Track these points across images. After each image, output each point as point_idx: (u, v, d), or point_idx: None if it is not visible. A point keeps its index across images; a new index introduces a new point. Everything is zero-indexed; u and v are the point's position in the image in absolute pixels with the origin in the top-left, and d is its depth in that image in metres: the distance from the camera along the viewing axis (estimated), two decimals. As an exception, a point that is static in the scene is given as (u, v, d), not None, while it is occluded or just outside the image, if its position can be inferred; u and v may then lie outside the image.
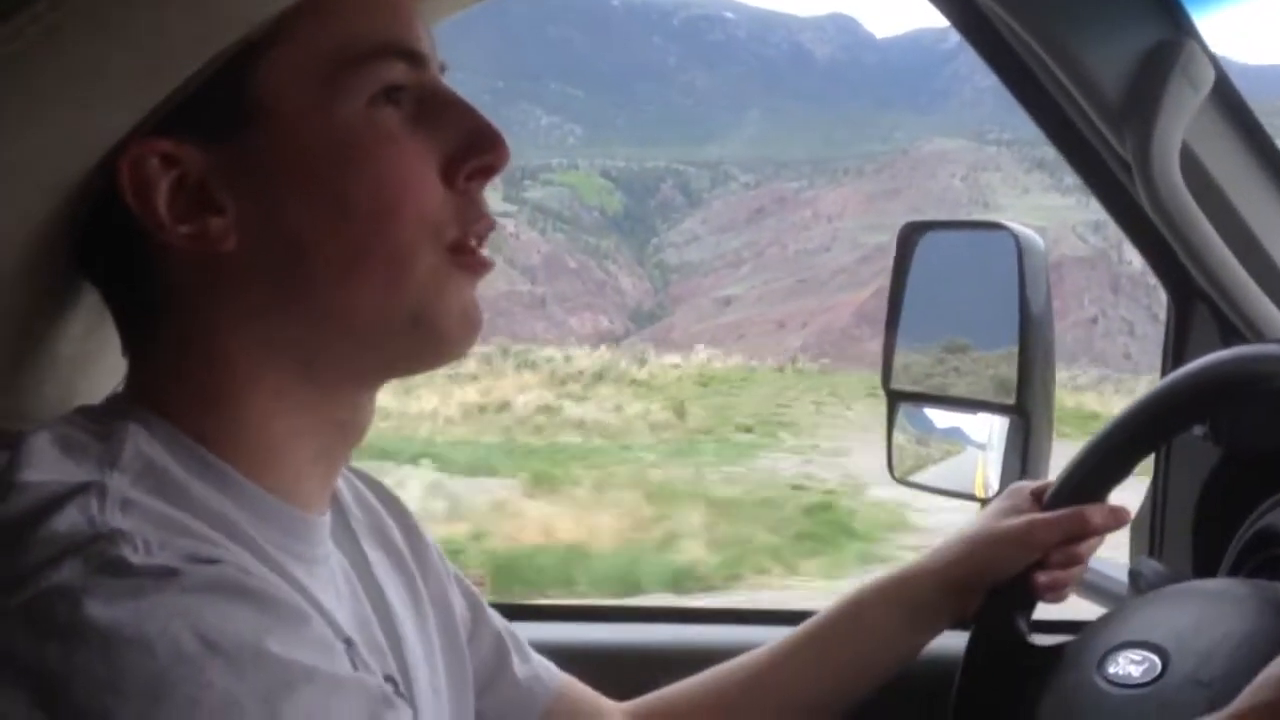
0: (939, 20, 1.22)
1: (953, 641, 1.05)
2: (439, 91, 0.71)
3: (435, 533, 0.95)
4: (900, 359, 1.33)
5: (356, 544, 0.83)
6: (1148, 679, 0.89)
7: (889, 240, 1.34)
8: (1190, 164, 1.12)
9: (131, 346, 0.72)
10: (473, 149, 0.71)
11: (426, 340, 0.71)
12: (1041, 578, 1.02)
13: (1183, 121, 1.09)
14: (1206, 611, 0.94)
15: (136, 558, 0.56)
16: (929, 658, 1.06)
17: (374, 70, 0.67)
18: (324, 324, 0.68)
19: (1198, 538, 1.27)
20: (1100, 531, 1.04)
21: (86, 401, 0.72)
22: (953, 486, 1.31)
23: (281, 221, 0.67)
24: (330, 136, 0.66)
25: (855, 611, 1.06)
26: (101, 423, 0.66)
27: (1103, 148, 1.21)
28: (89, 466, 0.61)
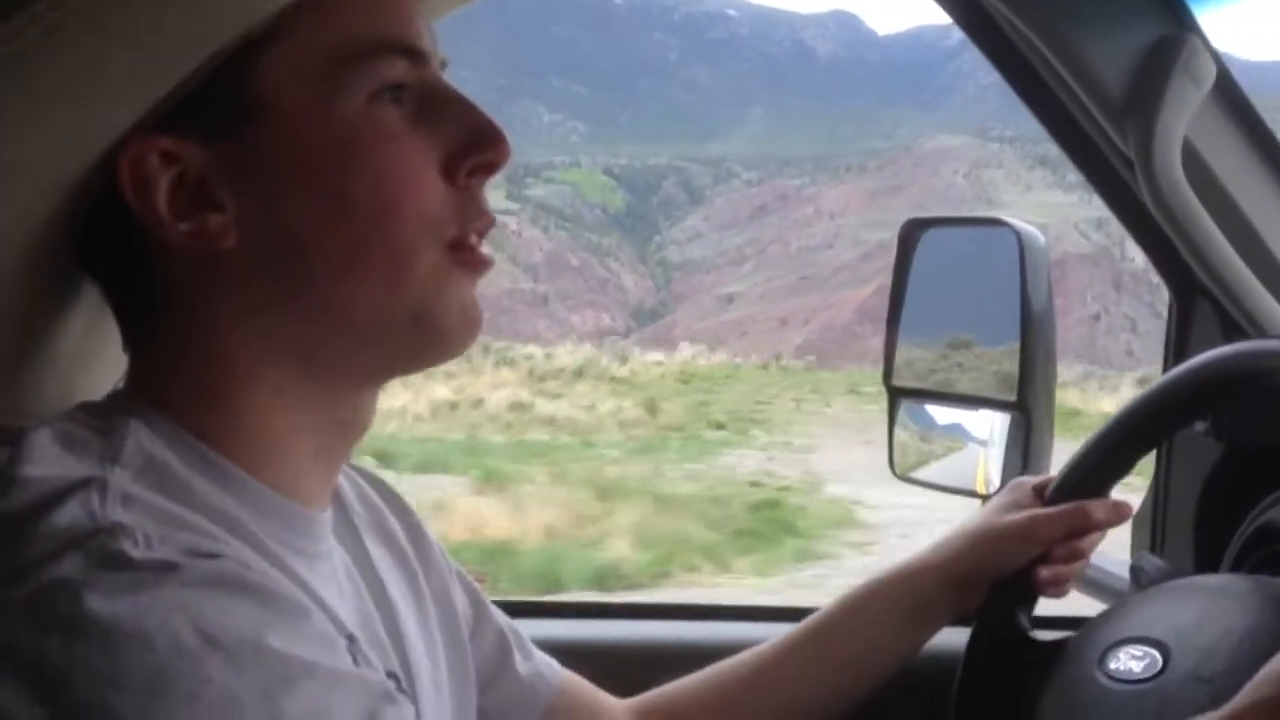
0: (942, 17, 1.22)
1: (953, 638, 1.06)
2: (439, 88, 0.71)
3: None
4: (902, 355, 1.33)
5: (359, 540, 0.83)
6: (1149, 675, 0.89)
7: (891, 237, 1.34)
8: (1192, 160, 1.12)
9: (132, 343, 0.72)
10: (473, 146, 0.70)
11: (427, 338, 0.71)
12: (1044, 572, 1.02)
13: (1185, 117, 1.09)
14: (1208, 607, 0.94)
15: (137, 552, 0.56)
16: (929, 654, 1.06)
17: (374, 67, 0.67)
18: (323, 321, 0.68)
19: (1199, 533, 1.27)
20: (1102, 526, 1.04)
21: (87, 398, 0.72)
22: (954, 483, 1.31)
23: (281, 218, 0.67)
24: (330, 133, 0.66)
25: (857, 607, 1.06)
26: (102, 419, 0.66)
27: (1105, 144, 1.21)
28: (90, 462, 0.61)
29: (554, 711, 0.98)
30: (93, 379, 0.78)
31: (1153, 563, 1.22)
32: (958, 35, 1.24)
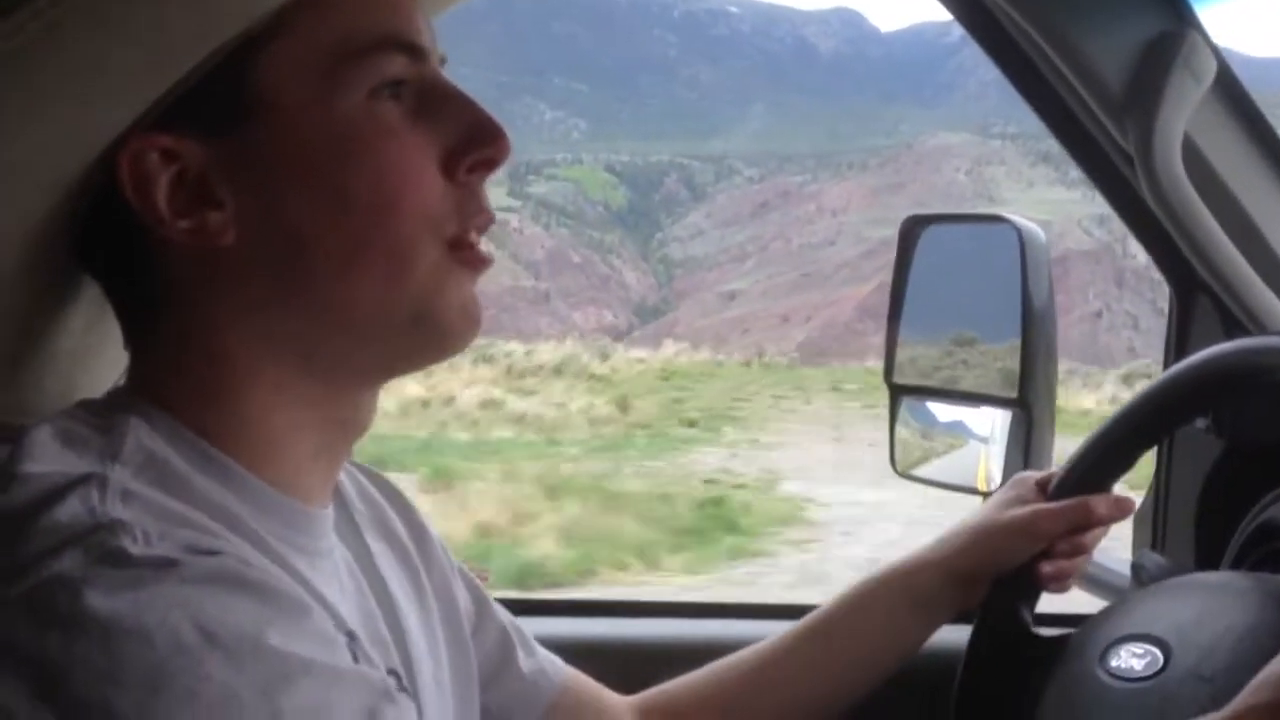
0: (943, 13, 1.22)
1: (954, 635, 1.06)
2: (439, 85, 0.71)
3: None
4: (903, 352, 1.33)
5: (360, 537, 0.83)
6: (1149, 672, 0.89)
7: (893, 234, 1.33)
8: (1192, 156, 1.12)
9: (132, 340, 0.72)
10: (473, 142, 0.70)
11: (427, 336, 0.71)
12: (1046, 567, 1.02)
13: (1185, 113, 1.09)
14: (1208, 605, 0.94)
15: (136, 548, 0.56)
16: (931, 649, 1.06)
17: (374, 64, 0.67)
18: (323, 318, 0.68)
19: (1200, 531, 1.27)
20: (1105, 521, 1.04)
21: (88, 395, 0.72)
22: (955, 480, 1.31)
23: (281, 215, 0.67)
24: (330, 130, 0.66)
25: (859, 604, 1.06)
26: (103, 416, 0.66)
27: (1105, 140, 1.21)
28: (90, 459, 0.61)
29: (557, 708, 0.98)
30: (93, 376, 0.78)
31: (1154, 560, 1.22)
32: (959, 32, 1.24)
